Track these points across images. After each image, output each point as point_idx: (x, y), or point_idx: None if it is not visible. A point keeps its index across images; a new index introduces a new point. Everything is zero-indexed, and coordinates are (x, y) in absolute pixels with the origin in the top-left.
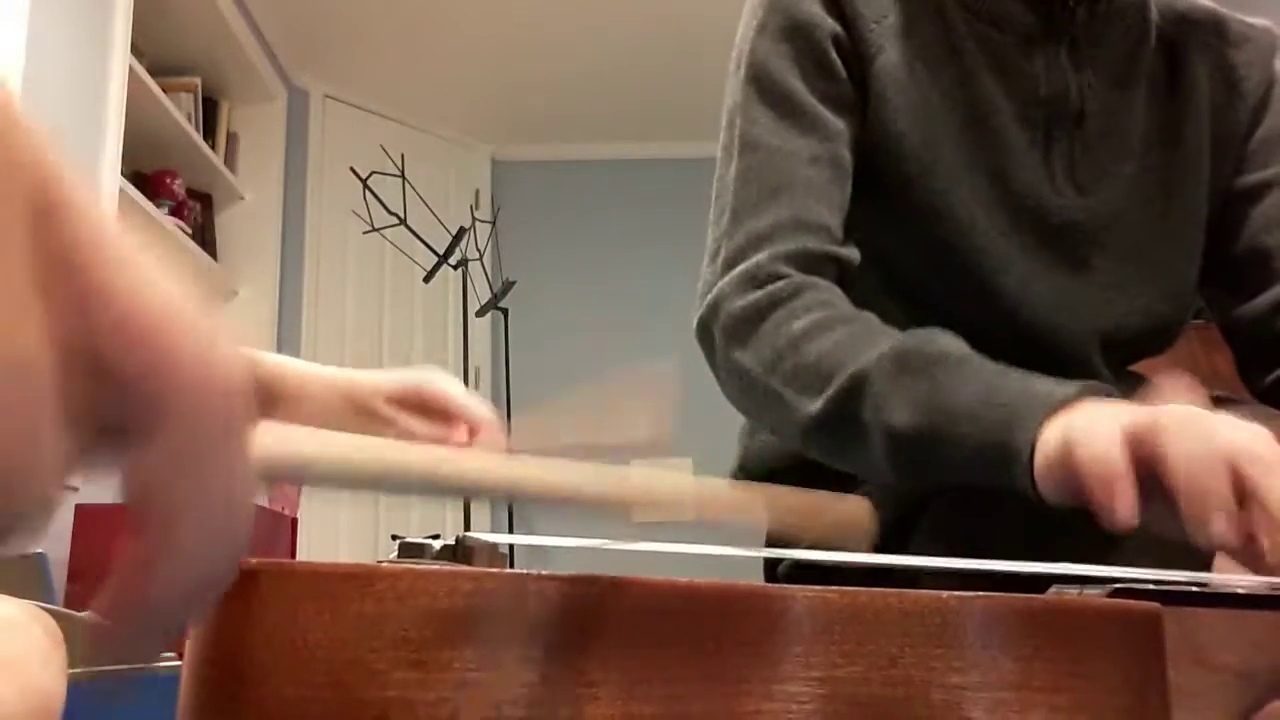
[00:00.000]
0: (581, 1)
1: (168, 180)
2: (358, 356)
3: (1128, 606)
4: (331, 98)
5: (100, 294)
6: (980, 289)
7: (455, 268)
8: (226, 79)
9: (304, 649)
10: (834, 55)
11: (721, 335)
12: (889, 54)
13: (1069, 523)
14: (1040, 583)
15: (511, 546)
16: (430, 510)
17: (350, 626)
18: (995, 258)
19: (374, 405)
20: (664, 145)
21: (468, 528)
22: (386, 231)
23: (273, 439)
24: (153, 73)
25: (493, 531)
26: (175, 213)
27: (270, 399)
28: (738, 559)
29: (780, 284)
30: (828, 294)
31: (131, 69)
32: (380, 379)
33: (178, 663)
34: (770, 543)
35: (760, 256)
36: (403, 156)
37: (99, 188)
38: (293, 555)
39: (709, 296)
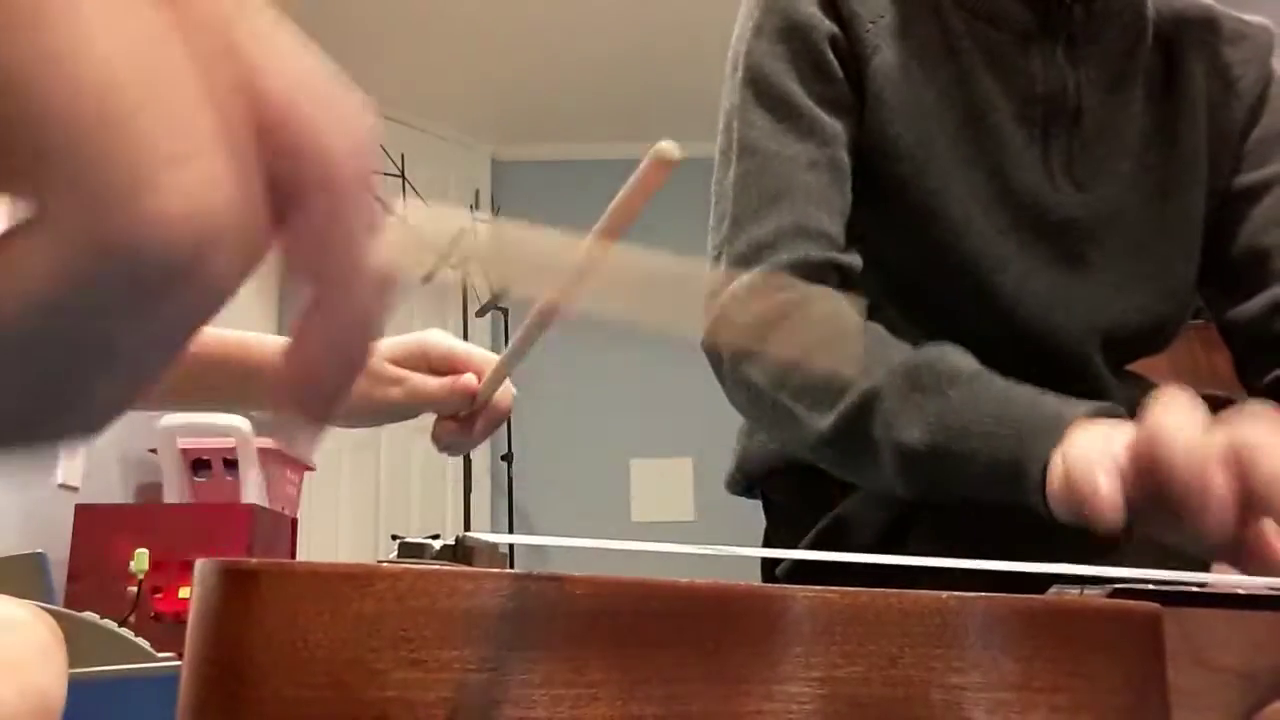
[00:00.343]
0: (582, 2)
1: None
2: None
3: (1128, 606)
4: None
5: (257, 70)
6: (977, 289)
7: (454, 268)
8: None
9: (304, 649)
10: (830, 56)
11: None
12: (885, 54)
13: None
14: (1040, 583)
15: (511, 546)
16: (430, 510)
17: (350, 626)
18: (991, 257)
19: (379, 368)
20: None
21: (468, 528)
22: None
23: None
24: None
25: (493, 531)
26: None
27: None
28: (738, 559)
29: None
30: (834, 303)
31: None
32: (382, 343)
33: (178, 663)
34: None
35: (763, 267)
36: (403, 156)
37: None
38: (293, 555)
39: (715, 303)
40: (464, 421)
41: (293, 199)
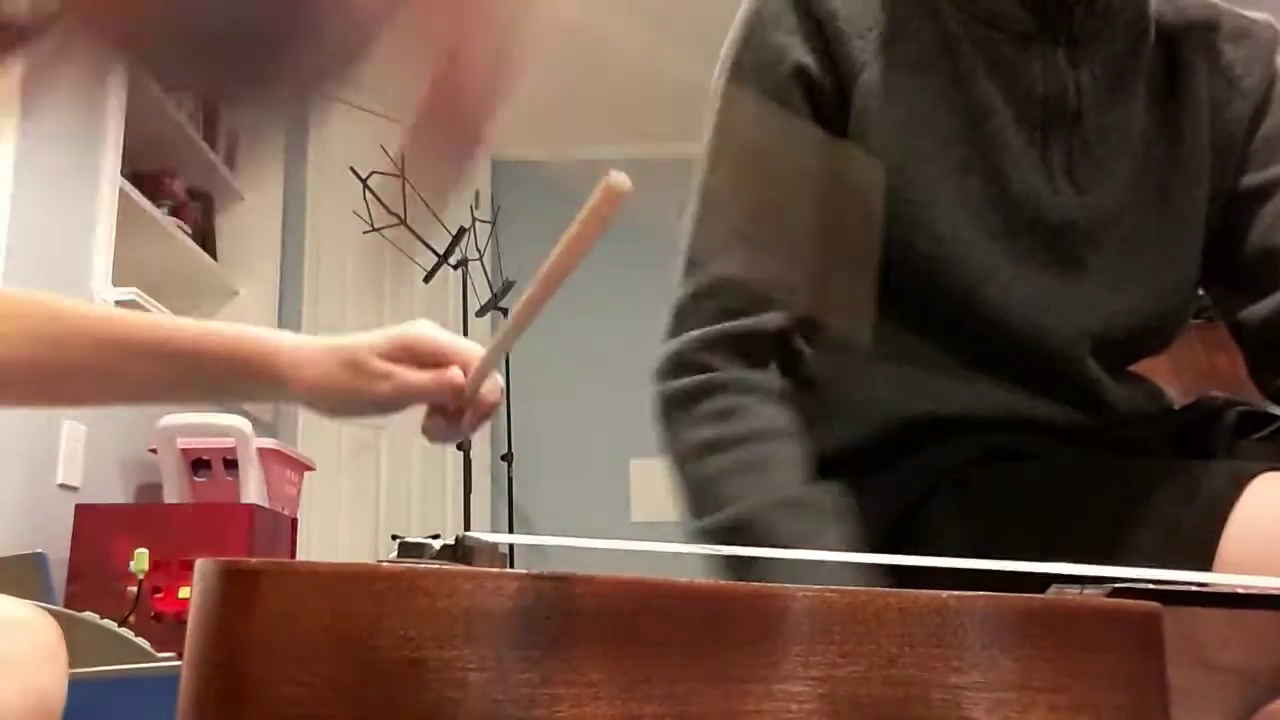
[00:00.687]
0: (582, 2)
1: (168, 180)
2: None
3: (1128, 606)
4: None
5: None
6: (964, 299)
7: (455, 268)
8: None
9: (304, 649)
10: (796, 90)
11: (657, 403)
12: (875, 68)
13: (1069, 522)
14: (1040, 582)
15: (511, 546)
16: (430, 510)
17: (350, 626)
18: (977, 266)
19: (370, 364)
20: (664, 145)
21: (468, 528)
22: (386, 231)
23: None
24: None
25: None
26: (175, 213)
27: (269, 377)
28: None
29: (698, 380)
30: (736, 398)
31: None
32: (370, 338)
33: (178, 663)
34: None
35: (693, 335)
36: (403, 156)
37: (99, 188)
38: (293, 555)
39: (656, 356)
40: (453, 415)
41: None
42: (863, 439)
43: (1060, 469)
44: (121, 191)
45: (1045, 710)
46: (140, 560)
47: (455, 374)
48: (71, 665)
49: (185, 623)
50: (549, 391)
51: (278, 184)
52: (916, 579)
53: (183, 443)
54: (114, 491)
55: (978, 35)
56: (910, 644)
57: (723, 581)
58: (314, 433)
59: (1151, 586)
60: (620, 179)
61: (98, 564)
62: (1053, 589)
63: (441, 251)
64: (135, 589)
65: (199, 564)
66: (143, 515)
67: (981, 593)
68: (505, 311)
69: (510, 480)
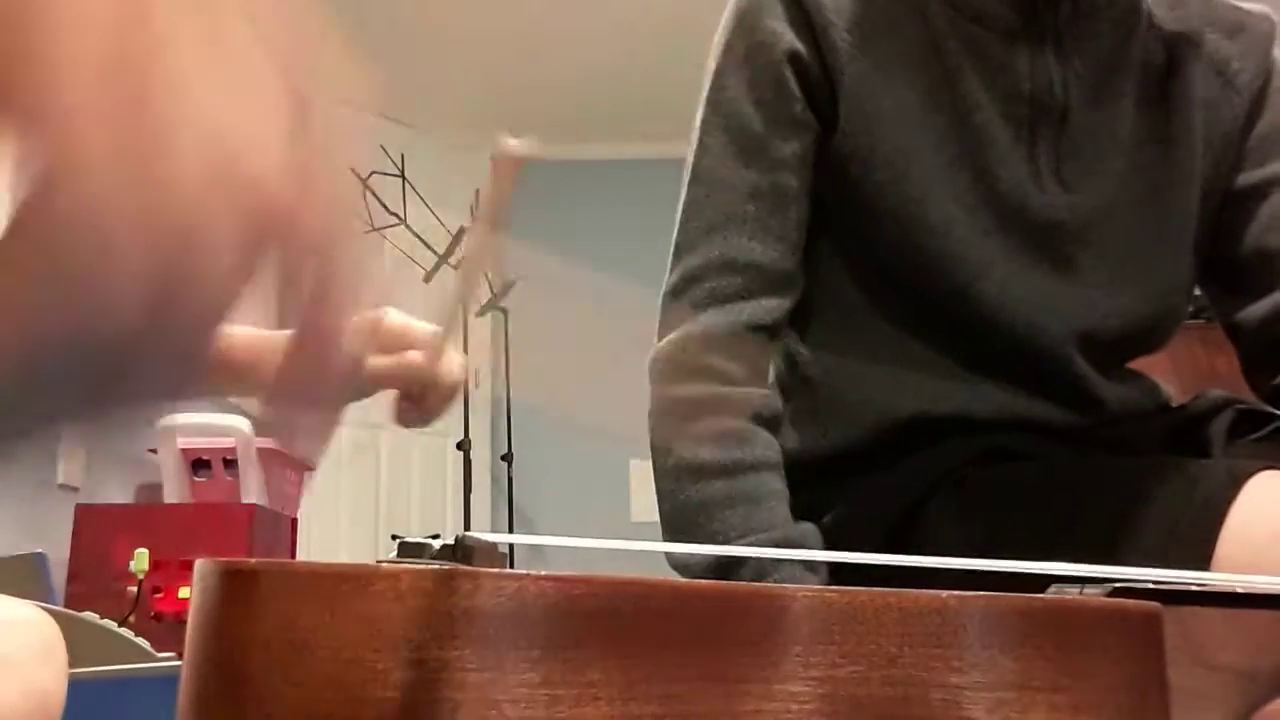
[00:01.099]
0: (582, 2)
1: None
2: None
3: (1128, 606)
4: None
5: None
6: (959, 294)
7: (455, 268)
8: None
9: (304, 649)
10: (789, 75)
11: (655, 406)
12: (862, 61)
13: (1068, 522)
14: (1040, 582)
15: (511, 546)
16: (430, 510)
17: (350, 626)
18: (973, 262)
19: None
20: (664, 145)
21: (468, 528)
22: (386, 231)
23: None
24: None
25: (493, 531)
26: None
27: (229, 373)
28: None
29: (699, 392)
30: (735, 421)
31: None
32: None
33: (178, 663)
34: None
35: (692, 332)
36: (403, 156)
37: None
38: (293, 555)
39: (651, 354)
40: (418, 399)
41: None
42: (859, 439)
43: (1059, 469)
44: None
45: (1045, 710)
46: (140, 560)
47: (414, 356)
48: (71, 665)
49: (185, 623)
50: (549, 392)
51: None
52: (916, 579)
53: (183, 443)
54: (114, 491)
55: (964, 32)
56: (910, 644)
57: (723, 582)
58: None
59: (1151, 586)
60: (511, 144)
61: (98, 564)
62: (1053, 589)
63: (441, 251)
64: (135, 589)
65: (199, 564)
66: (143, 515)
67: (981, 593)
68: (505, 312)
69: (510, 480)
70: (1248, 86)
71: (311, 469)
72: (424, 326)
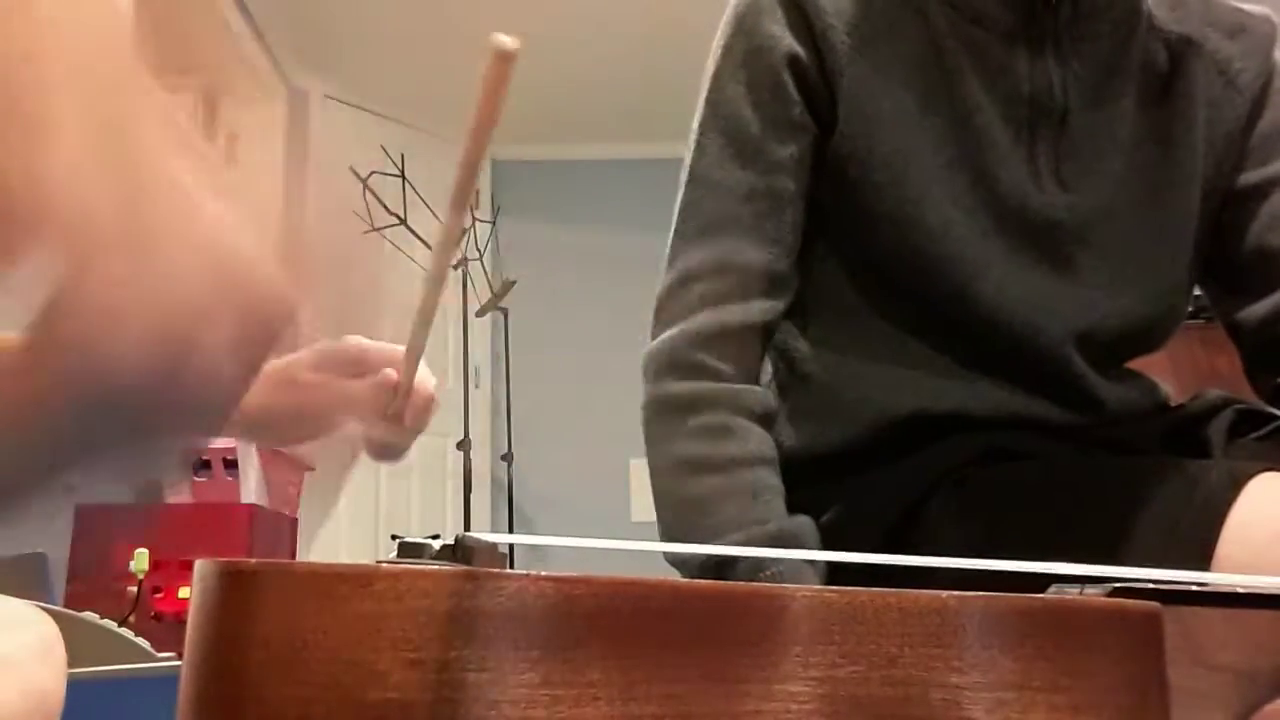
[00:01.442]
0: (581, 2)
1: None
2: None
3: (1128, 606)
4: (331, 98)
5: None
6: (958, 295)
7: (455, 268)
8: (226, 79)
9: (304, 649)
10: (787, 78)
11: (648, 404)
12: (861, 64)
13: (1068, 522)
14: (1040, 582)
15: (511, 546)
16: (430, 510)
17: (350, 626)
18: (971, 263)
19: (299, 378)
20: (664, 145)
21: (468, 528)
22: (386, 231)
23: None
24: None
25: (493, 531)
26: None
27: (241, 425)
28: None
29: (692, 389)
30: (728, 417)
31: None
32: (293, 355)
33: (178, 663)
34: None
35: (686, 329)
36: (403, 156)
37: None
38: (293, 555)
39: (645, 351)
40: (394, 419)
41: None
42: (858, 437)
43: (1059, 469)
44: None
45: (1045, 710)
46: (140, 560)
47: (389, 374)
48: (71, 665)
49: (185, 623)
50: (549, 392)
51: None
52: (916, 579)
53: None
54: (114, 491)
55: (963, 33)
56: (910, 644)
57: (722, 582)
58: None
59: (1151, 586)
60: (503, 40)
61: (98, 564)
62: (1053, 589)
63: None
64: (135, 589)
65: (198, 564)
66: (143, 515)
67: (981, 593)
68: (505, 312)
69: (510, 480)
70: (1249, 86)
71: (311, 469)
72: (380, 346)
